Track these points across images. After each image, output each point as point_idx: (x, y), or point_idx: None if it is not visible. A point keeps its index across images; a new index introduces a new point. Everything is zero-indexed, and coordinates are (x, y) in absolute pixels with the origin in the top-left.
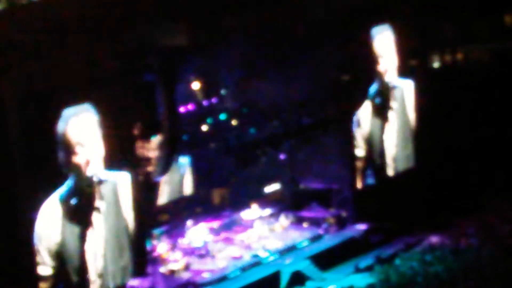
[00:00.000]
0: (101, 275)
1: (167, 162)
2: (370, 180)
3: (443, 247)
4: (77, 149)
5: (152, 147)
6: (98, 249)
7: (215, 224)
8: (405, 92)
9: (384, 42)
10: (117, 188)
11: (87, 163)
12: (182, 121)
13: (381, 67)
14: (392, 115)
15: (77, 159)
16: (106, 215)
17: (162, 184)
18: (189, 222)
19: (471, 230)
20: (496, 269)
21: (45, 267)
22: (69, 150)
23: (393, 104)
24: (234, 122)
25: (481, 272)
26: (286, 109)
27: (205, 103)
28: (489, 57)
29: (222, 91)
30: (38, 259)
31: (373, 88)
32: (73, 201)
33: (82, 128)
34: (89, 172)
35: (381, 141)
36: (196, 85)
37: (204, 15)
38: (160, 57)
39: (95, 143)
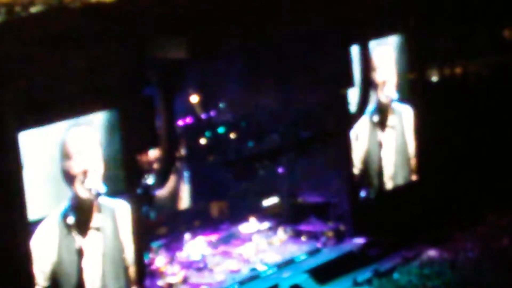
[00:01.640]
0: None
1: (165, 175)
2: (365, 195)
3: (441, 261)
4: (76, 158)
5: (150, 160)
6: (95, 269)
7: (213, 237)
8: (403, 109)
9: (383, 56)
10: (115, 214)
11: (86, 174)
12: (180, 134)
13: (379, 81)
14: (390, 131)
15: (76, 168)
16: (103, 236)
17: (160, 197)
18: (187, 235)
19: (470, 243)
20: (495, 283)
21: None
22: (68, 159)
23: (392, 120)
24: (232, 136)
25: (480, 286)
26: (284, 123)
27: (203, 116)
28: (488, 70)
29: (221, 105)
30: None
31: (372, 103)
32: (71, 220)
33: (81, 138)
34: (87, 184)
35: (379, 158)
36: (194, 99)
37: (203, 29)
38: (159, 71)
39: (94, 156)
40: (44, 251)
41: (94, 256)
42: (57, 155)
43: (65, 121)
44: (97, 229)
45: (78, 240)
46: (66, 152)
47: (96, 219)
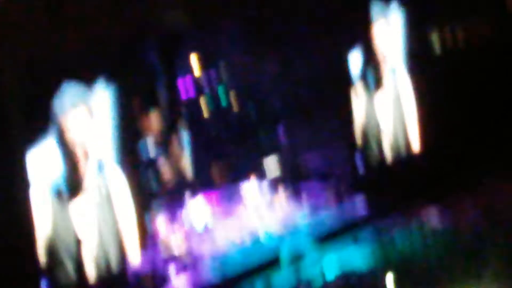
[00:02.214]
0: (96, 260)
1: (166, 136)
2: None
3: (443, 226)
4: (72, 129)
5: (151, 121)
6: (94, 239)
7: (214, 201)
8: (404, 76)
9: (384, 21)
10: (113, 181)
11: (83, 143)
12: (181, 99)
13: (380, 47)
14: (390, 98)
15: (72, 138)
16: (101, 204)
17: (162, 159)
18: (188, 200)
19: (473, 210)
20: (497, 250)
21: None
22: (63, 129)
23: (392, 87)
24: (233, 100)
25: (482, 253)
26: (286, 88)
27: (204, 81)
28: (490, 31)
29: (222, 70)
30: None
31: (372, 69)
32: (65, 188)
33: (78, 112)
34: (84, 152)
35: (378, 125)
36: (194, 64)
37: None
38: (159, 37)
39: (92, 124)
40: (39, 220)
41: (91, 225)
42: (53, 125)
43: (63, 93)
44: (94, 197)
45: (74, 209)
46: (62, 123)
47: (93, 187)
